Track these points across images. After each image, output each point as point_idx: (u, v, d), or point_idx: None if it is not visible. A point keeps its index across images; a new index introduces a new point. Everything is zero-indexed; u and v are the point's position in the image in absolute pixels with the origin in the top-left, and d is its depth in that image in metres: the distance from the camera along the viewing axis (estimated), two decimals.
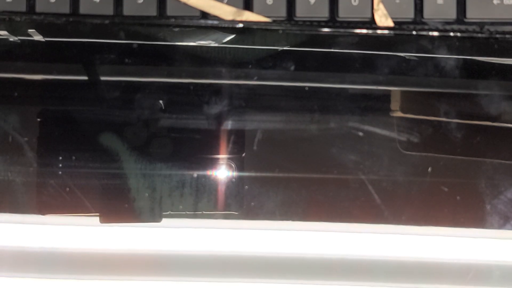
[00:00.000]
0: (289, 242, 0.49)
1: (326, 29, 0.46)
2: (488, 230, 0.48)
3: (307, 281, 0.49)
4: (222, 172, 0.49)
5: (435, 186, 0.49)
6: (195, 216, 0.49)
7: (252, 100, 0.49)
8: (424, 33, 0.46)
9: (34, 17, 0.46)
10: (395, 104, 0.49)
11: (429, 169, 0.48)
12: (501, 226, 0.48)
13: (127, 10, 0.48)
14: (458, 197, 0.48)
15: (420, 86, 0.50)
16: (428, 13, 0.48)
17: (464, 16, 0.48)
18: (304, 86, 0.49)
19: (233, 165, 0.49)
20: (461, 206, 0.48)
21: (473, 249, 0.48)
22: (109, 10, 0.48)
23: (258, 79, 0.49)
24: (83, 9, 0.48)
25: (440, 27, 0.47)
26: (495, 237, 0.48)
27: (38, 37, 0.48)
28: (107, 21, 0.46)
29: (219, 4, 0.48)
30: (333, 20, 0.48)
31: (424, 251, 0.48)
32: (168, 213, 0.49)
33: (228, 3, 0.48)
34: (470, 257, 0.48)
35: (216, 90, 0.49)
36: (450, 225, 0.48)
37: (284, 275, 0.49)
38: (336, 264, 0.49)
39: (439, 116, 0.49)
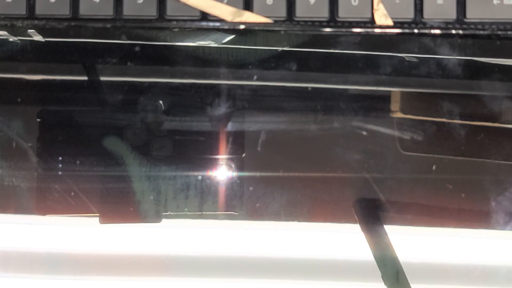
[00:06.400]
0: (290, 243, 0.49)
1: (326, 29, 0.46)
2: (492, 230, 0.48)
3: (311, 281, 0.49)
4: (224, 173, 0.49)
5: (436, 187, 0.49)
6: (195, 217, 0.49)
7: (254, 101, 0.49)
8: (426, 31, 0.46)
9: (36, 22, 0.46)
10: (395, 104, 0.49)
11: (434, 167, 0.48)
12: (504, 227, 0.48)
13: (127, 10, 0.48)
14: (460, 197, 0.48)
15: (420, 87, 0.50)
16: (428, 13, 0.48)
17: (464, 16, 0.48)
18: (304, 87, 0.49)
19: (234, 166, 0.49)
20: (464, 206, 0.48)
21: (478, 250, 0.48)
22: (109, 10, 0.48)
23: (258, 80, 0.49)
24: (83, 9, 0.48)
25: (441, 26, 0.47)
26: (499, 238, 0.48)
27: (37, 37, 0.48)
28: (108, 25, 0.46)
29: (219, 4, 0.48)
30: (333, 20, 0.48)
31: (430, 252, 0.48)
32: (168, 213, 0.49)
33: (228, 3, 0.48)
34: (475, 257, 0.48)
35: (218, 91, 0.49)
36: (452, 226, 0.48)
37: (287, 275, 0.49)
38: (342, 265, 0.49)
39: (439, 117, 0.49)
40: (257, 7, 0.48)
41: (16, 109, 0.50)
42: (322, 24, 0.47)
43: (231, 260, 0.49)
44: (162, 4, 0.48)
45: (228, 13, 0.48)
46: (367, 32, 0.46)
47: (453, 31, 0.46)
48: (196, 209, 0.49)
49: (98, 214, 0.49)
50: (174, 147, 0.49)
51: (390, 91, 0.49)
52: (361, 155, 0.49)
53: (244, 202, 0.49)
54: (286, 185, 0.49)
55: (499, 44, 0.47)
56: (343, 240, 0.49)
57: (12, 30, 0.47)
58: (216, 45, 0.49)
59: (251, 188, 0.49)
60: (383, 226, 0.47)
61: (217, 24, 0.47)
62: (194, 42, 0.48)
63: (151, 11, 0.48)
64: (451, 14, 0.48)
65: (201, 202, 0.49)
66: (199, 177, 0.49)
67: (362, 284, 0.49)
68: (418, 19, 0.48)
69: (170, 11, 0.48)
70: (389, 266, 0.47)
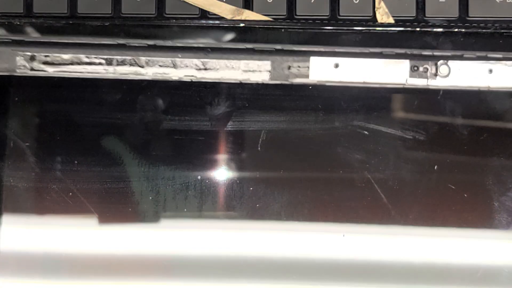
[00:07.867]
0: (290, 243, 0.48)
1: (327, 28, 0.46)
2: (495, 231, 0.48)
3: (312, 282, 0.48)
4: (224, 173, 0.49)
5: (439, 186, 0.48)
6: (195, 217, 0.49)
7: (254, 101, 0.49)
8: (428, 29, 0.45)
9: (33, 20, 0.46)
10: (397, 103, 0.49)
11: (435, 167, 0.48)
12: (507, 227, 0.48)
13: (125, 8, 0.48)
14: (462, 197, 0.48)
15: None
16: (430, 11, 0.48)
17: (467, 14, 0.48)
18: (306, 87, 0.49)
19: (234, 166, 0.49)
20: (467, 206, 0.48)
21: (481, 250, 0.48)
22: (107, 8, 0.48)
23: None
24: (81, 7, 0.48)
25: (443, 24, 0.46)
26: (502, 238, 0.48)
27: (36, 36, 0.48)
28: (107, 23, 0.46)
29: (218, 2, 0.48)
30: (334, 18, 0.48)
31: (432, 253, 0.48)
32: (168, 213, 0.49)
33: (227, 1, 0.48)
34: (478, 258, 0.48)
35: (218, 91, 0.49)
36: (454, 226, 0.48)
37: (287, 276, 0.48)
38: (343, 266, 0.48)
39: (442, 117, 0.48)
40: (257, 5, 0.48)
41: (15, 109, 0.50)
42: (323, 22, 0.47)
43: (231, 261, 0.48)
44: (161, 2, 0.48)
45: (227, 11, 0.48)
46: (369, 30, 0.46)
47: (456, 29, 0.46)
48: (196, 210, 0.49)
49: (96, 215, 0.49)
50: (174, 147, 0.49)
51: (391, 91, 0.49)
52: (362, 155, 0.48)
53: (244, 202, 0.49)
54: (286, 185, 0.49)
55: (502, 42, 0.46)
56: (343, 240, 0.48)
57: (10, 28, 0.47)
58: (216, 44, 0.49)
59: (251, 188, 0.49)
60: None
61: (217, 22, 0.47)
62: (194, 40, 0.48)
63: (150, 9, 0.48)
64: (454, 12, 0.48)
65: (201, 202, 0.49)
66: (199, 177, 0.49)
67: (362, 284, 0.48)
68: (420, 17, 0.48)
69: (169, 9, 0.48)
70: None
